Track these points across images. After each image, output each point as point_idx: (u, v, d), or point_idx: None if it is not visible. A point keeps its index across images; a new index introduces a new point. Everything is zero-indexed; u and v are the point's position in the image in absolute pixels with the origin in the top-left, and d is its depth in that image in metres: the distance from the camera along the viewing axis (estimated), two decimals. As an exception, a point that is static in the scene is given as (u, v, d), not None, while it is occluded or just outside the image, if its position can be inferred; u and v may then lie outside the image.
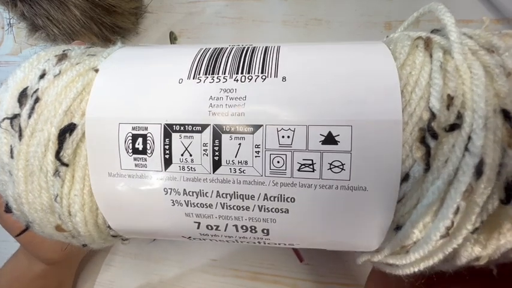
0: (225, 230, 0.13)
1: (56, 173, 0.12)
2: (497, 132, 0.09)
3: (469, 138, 0.09)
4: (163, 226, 0.13)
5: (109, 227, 0.14)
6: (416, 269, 0.11)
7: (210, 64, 0.12)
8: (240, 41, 0.17)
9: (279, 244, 0.13)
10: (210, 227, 0.13)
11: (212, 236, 0.13)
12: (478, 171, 0.09)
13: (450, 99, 0.10)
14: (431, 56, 0.11)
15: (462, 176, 0.09)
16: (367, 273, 0.17)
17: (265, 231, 0.12)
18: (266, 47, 0.13)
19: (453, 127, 0.10)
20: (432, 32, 0.12)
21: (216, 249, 0.23)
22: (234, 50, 0.13)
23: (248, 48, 0.13)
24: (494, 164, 0.09)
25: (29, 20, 0.24)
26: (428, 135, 0.10)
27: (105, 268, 0.23)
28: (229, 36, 0.25)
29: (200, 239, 0.14)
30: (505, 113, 0.09)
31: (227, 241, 0.14)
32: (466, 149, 0.09)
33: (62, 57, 0.14)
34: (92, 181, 0.13)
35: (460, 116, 0.10)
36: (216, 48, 0.13)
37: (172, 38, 0.27)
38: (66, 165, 0.12)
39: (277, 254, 0.22)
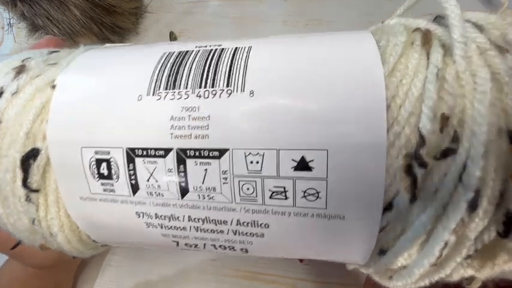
0: (204, 248, 0.12)
1: (28, 198, 0.12)
2: (501, 158, 0.08)
3: (465, 166, 0.08)
4: (144, 243, 0.13)
5: (94, 240, 0.14)
6: None
7: (171, 76, 0.11)
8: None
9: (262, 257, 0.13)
10: (189, 245, 0.12)
11: (194, 250, 0.13)
12: (473, 206, 0.08)
13: (445, 119, 0.08)
14: (428, 56, 0.09)
15: (452, 212, 0.08)
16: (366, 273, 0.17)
17: (243, 249, 0.12)
18: (235, 49, 0.11)
19: (446, 153, 0.08)
20: (436, 19, 0.10)
21: None
22: (199, 55, 0.11)
23: (215, 51, 0.11)
24: (493, 196, 0.08)
25: (29, 20, 0.24)
26: (416, 163, 0.08)
27: (105, 268, 0.24)
28: (229, 36, 0.23)
29: (184, 249, 0.14)
30: (511, 136, 0.08)
31: (210, 253, 0.14)
32: (460, 179, 0.08)
33: (20, 70, 0.13)
34: (66, 204, 0.12)
35: (456, 138, 0.08)
36: (180, 52, 0.12)
37: (173, 38, 0.26)
38: (36, 191, 0.12)
39: None
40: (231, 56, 0.11)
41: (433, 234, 0.08)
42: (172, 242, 0.12)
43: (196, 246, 0.12)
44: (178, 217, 0.11)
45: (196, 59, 0.11)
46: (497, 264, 0.09)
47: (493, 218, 0.08)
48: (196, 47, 0.12)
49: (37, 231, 0.13)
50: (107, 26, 0.25)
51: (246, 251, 0.12)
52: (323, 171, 0.09)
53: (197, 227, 0.11)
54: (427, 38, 0.09)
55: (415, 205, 0.09)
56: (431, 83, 0.08)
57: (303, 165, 0.09)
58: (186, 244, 0.12)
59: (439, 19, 0.10)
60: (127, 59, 0.12)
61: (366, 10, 0.22)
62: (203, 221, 0.11)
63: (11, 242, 0.15)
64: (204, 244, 0.12)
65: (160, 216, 0.11)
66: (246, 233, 0.11)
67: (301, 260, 0.22)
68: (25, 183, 0.12)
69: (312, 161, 0.09)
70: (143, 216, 0.12)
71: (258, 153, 0.10)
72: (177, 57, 0.11)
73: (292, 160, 0.09)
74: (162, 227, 0.12)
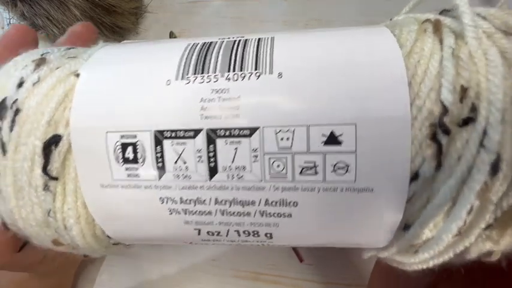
0: (226, 236, 0.12)
1: (46, 187, 0.12)
2: (516, 124, 0.09)
3: (485, 132, 0.09)
4: (163, 234, 0.13)
5: (108, 236, 0.14)
6: (424, 266, 0.11)
7: (199, 62, 0.11)
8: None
9: (283, 245, 0.13)
10: (211, 233, 0.12)
11: (214, 240, 0.13)
12: (494, 168, 0.08)
13: (464, 90, 0.09)
14: (441, 41, 0.10)
15: (477, 174, 0.08)
16: (368, 273, 0.17)
17: (268, 235, 0.12)
18: (259, 39, 0.12)
19: (467, 121, 0.09)
20: (441, 13, 0.11)
21: (216, 249, 0.23)
22: (224, 44, 0.12)
23: (239, 41, 0.12)
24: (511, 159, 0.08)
25: (29, 20, 0.24)
26: (440, 131, 0.09)
27: (105, 268, 0.23)
28: None
29: (202, 243, 0.14)
30: (524, 103, 0.09)
31: (230, 244, 0.13)
32: (481, 144, 0.09)
33: (40, 62, 0.13)
34: (84, 193, 0.12)
35: (474, 109, 0.09)
36: (204, 43, 0.12)
37: (172, 38, 0.27)
38: (56, 178, 0.12)
39: (278, 254, 0.22)
40: (256, 44, 0.12)
41: (459, 199, 0.09)
42: (194, 231, 0.12)
43: (218, 234, 0.12)
44: (204, 200, 0.11)
45: (222, 47, 0.12)
46: (517, 230, 0.09)
47: (512, 182, 0.09)
48: (219, 39, 0.13)
49: (50, 224, 0.13)
50: (107, 26, 0.25)
51: (271, 236, 0.12)
52: (352, 145, 0.10)
53: (223, 210, 0.11)
54: (437, 26, 0.10)
55: (440, 172, 0.09)
56: (448, 61, 0.09)
57: (332, 139, 0.10)
58: (208, 232, 0.12)
59: (445, 12, 0.11)
60: (152, 49, 0.13)
61: (366, 10, 0.23)
62: (230, 203, 0.11)
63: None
64: (228, 231, 0.12)
65: (186, 200, 0.11)
66: (274, 214, 0.11)
67: (301, 260, 0.21)
68: (45, 170, 0.12)
69: (341, 135, 0.10)
70: (167, 202, 0.11)
71: (288, 130, 0.10)
72: (202, 47, 0.12)
73: (322, 135, 0.10)
74: (185, 213, 0.12)
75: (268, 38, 0.12)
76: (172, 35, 0.27)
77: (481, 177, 0.08)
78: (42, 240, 0.13)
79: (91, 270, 0.23)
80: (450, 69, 0.09)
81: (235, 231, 0.12)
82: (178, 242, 0.13)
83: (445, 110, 0.09)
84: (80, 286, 0.23)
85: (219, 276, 0.22)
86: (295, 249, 0.22)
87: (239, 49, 0.11)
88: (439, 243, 0.09)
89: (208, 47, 0.12)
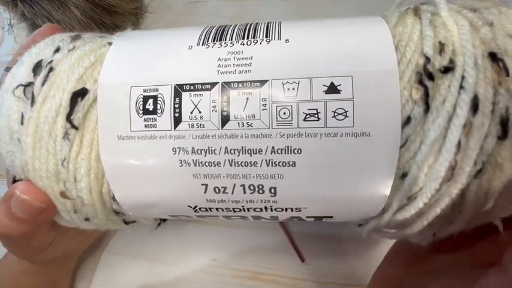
0: (232, 193, 0.13)
1: (66, 136, 0.13)
2: (487, 72, 0.10)
3: (463, 77, 0.10)
4: (169, 191, 0.13)
5: (113, 198, 0.14)
6: (425, 222, 0.11)
7: (218, 33, 0.13)
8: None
9: (286, 210, 0.13)
10: (217, 190, 0.13)
11: (219, 202, 0.13)
12: (474, 107, 0.10)
13: (442, 45, 0.11)
14: (420, 19, 0.12)
15: (460, 110, 0.10)
16: (368, 273, 0.17)
17: (272, 190, 0.12)
18: (268, 22, 0.14)
19: (447, 69, 0.10)
20: (420, 5, 0.14)
21: (216, 249, 0.22)
22: (238, 25, 0.14)
23: (252, 23, 0.14)
24: (487, 100, 0.10)
25: (29, 21, 0.24)
26: (425, 76, 0.10)
27: (104, 268, 0.22)
28: None
29: (206, 210, 0.14)
30: (492, 56, 0.10)
31: (233, 210, 0.14)
32: (461, 87, 0.10)
33: (76, 37, 0.15)
34: (101, 145, 0.13)
35: (452, 61, 0.10)
36: (220, 26, 0.14)
37: None
38: (76, 128, 0.13)
39: (278, 254, 0.22)
40: (266, 23, 0.14)
41: (448, 135, 0.10)
42: (201, 186, 0.13)
43: (224, 190, 0.13)
44: (215, 150, 0.12)
45: (237, 27, 0.14)
46: (503, 172, 0.10)
47: (492, 122, 0.10)
48: (233, 24, 0.15)
49: (61, 176, 0.13)
50: (107, 26, 0.25)
51: (275, 192, 0.12)
52: (349, 93, 0.11)
53: (232, 160, 0.12)
54: (416, 10, 0.13)
55: (429, 114, 0.10)
56: (427, 27, 0.11)
57: (332, 89, 0.11)
58: (215, 188, 0.13)
59: (422, 4, 0.14)
60: (174, 30, 0.15)
61: (366, 10, 0.22)
62: (239, 152, 0.12)
63: None
64: (234, 185, 0.12)
65: (197, 150, 0.12)
66: (279, 163, 0.12)
67: (303, 260, 0.21)
68: (69, 118, 0.12)
69: (340, 85, 0.11)
70: (179, 152, 0.12)
71: (294, 82, 0.11)
72: (220, 26, 0.14)
73: (323, 85, 0.11)
74: (195, 164, 0.12)
75: (276, 21, 0.14)
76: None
77: (464, 112, 0.10)
78: (49, 193, 0.13)
79: (89, 270, 0.22)
80: (430, 32, 0.11)
81: (241, 185, 0.12)
82: (183, 205, 0.14)
83: (427, 60, 0.10)
84: (76, 286, 0.22)
85: (219, 276, 0.21)
86: (296, 250, 0.21)
87: (252, 26, 0.14)
88: (434, 181, 0.10)
89: (224, 27, 0.14)
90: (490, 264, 0.11)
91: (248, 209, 0.14)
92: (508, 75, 0.10)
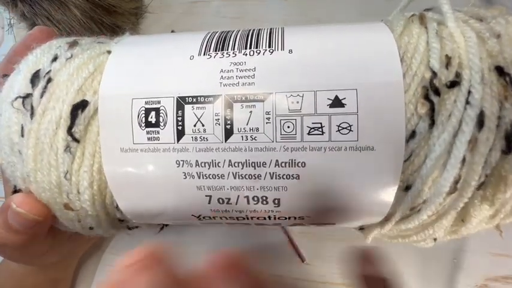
0: (236, 203, 0.13)
1: (67, 148, 0.12)
2: (493, 87, 0.10)
3: (469, 92, 0.10)
4: (173, 203, 0.13)
5: (117, 207, 0.14)
6: (430, 232, 0.12)
7: (220, 42, 0.13)
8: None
9: (289, 218, 0.13)
10: (221, 201, 0.13)
11: (223, 212, 0.13)
12: (480, 122, 0.10)
13: (448, 59, 0.10)
14: (426, 27, 0.12)
15: (466, 126, 0.10)
16: None
17: (276, 201, 0.12)
18: (271, 28, 0.14)
19: (453, 84, 0.10)
20: (424, 11, 0.13)
21: (216, 249, 0.22)
22: (240, 31, 0.14)
23: (254, 30, 0.14)
24: (493, 115, 0.10)
25: (29, 20, 0.24)
26: (431, 91, 0.10)
27: (104, 268, 0.22)
28: None
29: (210, 218, 0.14)
30: (498, 70, 0.10)
31: (237, 218, 0.14)
32: (467, 102, 0.10)
33: (73, 44, 0.15)
34: (104, 157, 0.13)
35: (458, 75, 0.10)
36: (223, 31, 0.14)
37: None
38: (78, 141, 0.13)
39: (278, 254, 0.22)
40: (268, 30, 0.13)
41: (453, 151, 0.10)
42: (205, 198, 0.13)
43: (228, 201, 0.13)
44: (218, 162, 0.12)
45: (239, 33, 0.14)
46: (508, 185, 0.10)
47: (497, 137, 0.10)
48: (235, 29, 0.14)
49: (64, 188, 0.13)
50: (107, 26, 0.25)
51: (279, 203, 0.12)
52: (354, 107, 0.11)
53: (236, 173, 0.12)
54: (422, 18, 0.12)
55: (434, 129, 0.10)
56: (434, 38, 0.11)
57: (337, 102, 0.11)
58: (218, 200, 0.13)
59: (427, 11, 0.13)
60: (175, 36, 0.15)
61: (365, 10, 0.23)
62: (243, 165, 0.12)
63: None
64: (238, 197, 0.13)
65: (201, 163, 0.12)
66: (283, 176, 0.12)
67: (303, 260, 0.21)
68: (70, 131, 0.12)
69: (344, 98, 0.11)
70: (183, 165, 0.12)
71: (298, 95, 0.11)
72: (221, 33, 0.14)
73: (328, 99, 0.11)
74: (199, 177, 0.12)
75: (279, 28, 0.14)
76: (173, 35, 0.29)
77: (470, 129, 0.10)
78: (53, 205, 0.13)
79: (89, 270, 0.22)
80: (436, 44, 0.11)
81: (245, 197, 0.12)
82: (187, 214, 0.14)
83: (434, 74, 0.10)
84: (77, 286, 0.22)
85: None
86: (296, 250, 0.22)
87: (254, 33, 0.13)
88: (438, 195, 0.10)
89: (227, 33, 0.14)
90: None
91: (252, 218, 0.14)
92: (514, 90, 0.10)
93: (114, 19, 0.25)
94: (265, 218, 0.14)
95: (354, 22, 0.14)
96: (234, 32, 0.14)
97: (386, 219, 0.13)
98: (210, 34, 0.14)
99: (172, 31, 0.28)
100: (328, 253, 0.21)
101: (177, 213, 0.14)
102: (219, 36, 0.13)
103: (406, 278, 0.19)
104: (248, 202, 0.13)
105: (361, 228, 0.15)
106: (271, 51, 0.12)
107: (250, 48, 0.12)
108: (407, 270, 0.19)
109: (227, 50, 0.13)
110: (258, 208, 0.13)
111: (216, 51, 0.13)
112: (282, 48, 0.12)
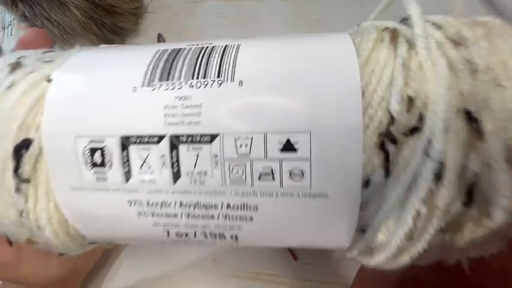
0: (194, 237, 0.13)
1: (18, 189, 0.12)
2: (460, 133, 0.09)
3: (429, 142, 0.09)
4: (134, 236, 0.13)
5: (83, 236, 0.14)
6: (393, 265, 0.11)
7: (165, 69, 0.12)
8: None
9: (251, 246, 0.13)
10: (179, 235, 0.13)
11: (184, 241, 0.13)
12: (438, 176, 0.09)
13: (411, 100, 0.09)
14: (395, 51, 0.10)
15: (422, 181, 0.09)
16: None
17: (233, 237, 0.12)
18: (225, 46, 0.12)
19: (413, 131, 0.09)
20: (402, 21, 0.11)
21: (216, 249, 0.23)
22: (191, 51, 0.12)
23: (207, 48, 0.12)
24: (455, 167, 0.09)
25: (29, 21, 0.24)
26: (387, 140, 0.09)
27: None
28: (229, 36, 0.24)
29: (174, 244, 0.14)
30: (467, 114, 0.09)
31: (201, 244, 0.14)
32: (426, 153, 0.09)
33: (16, 66, 0.13)
34: (57, 195, 0.12)
35: (421, 118, 0.09)
36: (174, 49, 0.13)
37: (161, 40, 0.27)
38: (27, 181, 0.12)
39: (278, 254, 0.22)
40: (221, 52, 0.12)
41: (406, 204, 0.09)
42: (163, 232, 0.13)
43: (187, 235, 0.13)
44: (169, 203, 0.12)
45: (189, 54, 0.12)
46: (466, 233, 0.10)
47: (458, 189, 0.09)
48: (188, 45, 0.13)
49: (24, 224, 0.13)
50: (107, 27, 0.25)
51: (236, 238, 0.12)
52: (307, 152, 0.10)
53: (188, 213, 0.12)
54: (394, 35, 0.11)
55: (389, 180, 0.09)
56: (398, 71, 0.09)
57: (288, 146, 0.10)
58: (177, 234, 0.13)
59: (405, 21, 0.11)
60: (122, 56, 0.13)
61: (365, 10, 0.22)
62: (194, 207, 0.11)
63: None
64: (195, 232, 0.12)
65: (152, 203, 0.12)
66: (236, 217, 0.11)
67: (295, 259, 0.22)
68: (16, 172, 0.12)
69: (297, 142, 0.10)
70: (135, 205, 0.12)
71: (246, 137, 0.10)
72: (170, 53, 0.12)
73: (279, 142, 0.10)
74: (153, 215, 0.12)
75: (234, 46, 0.12)
76: (160, 38, 0.27)
77: (426, 184, 0.09)
78: (17, 239, 0.13)
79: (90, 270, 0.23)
80: (399, 80, 0.09)
81: (201, 233, 0.12)
82: (150, 242, 0.14)
83: (392, 120, 0.09)
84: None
85: (219, 276, 0.22)
86: (289, 249, 0.22)
87: (204, 56, 0.12)
88: (390, 246, 0.10)
89: (176, 54, 0.12)
90: None
91: (215, 245, 0.14)
92: (482, 139, 0.09)
93: (114, 19, 0.25)
94: (227, 246, 0.14)
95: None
96: (185, 52, 0.12)
97: (347, 250, 0.12)
98: (157, 56, 0.12)
99: (159, 34, 0.26)
100: (328, 253, 0.21)
101: (140, 241, 0.14)
102: (166, 60, 0.12)
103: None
104: (206, 237, 0.12)
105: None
106: (219, 82, 0.11)
107: (197, 78, 0.11)
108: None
109: (172, 79, 0.11)
110: (217, 241, 0.13)
111: (160, 80, 0.11)
112: (232, 79, 0.11)
